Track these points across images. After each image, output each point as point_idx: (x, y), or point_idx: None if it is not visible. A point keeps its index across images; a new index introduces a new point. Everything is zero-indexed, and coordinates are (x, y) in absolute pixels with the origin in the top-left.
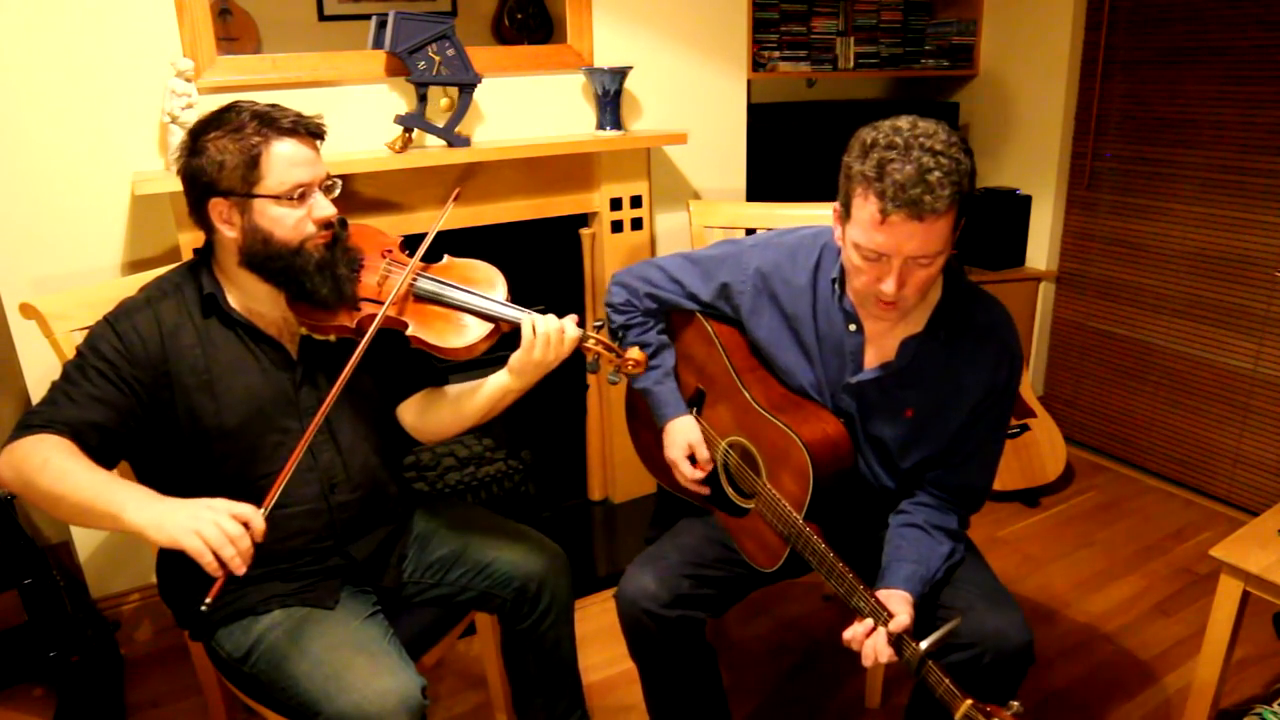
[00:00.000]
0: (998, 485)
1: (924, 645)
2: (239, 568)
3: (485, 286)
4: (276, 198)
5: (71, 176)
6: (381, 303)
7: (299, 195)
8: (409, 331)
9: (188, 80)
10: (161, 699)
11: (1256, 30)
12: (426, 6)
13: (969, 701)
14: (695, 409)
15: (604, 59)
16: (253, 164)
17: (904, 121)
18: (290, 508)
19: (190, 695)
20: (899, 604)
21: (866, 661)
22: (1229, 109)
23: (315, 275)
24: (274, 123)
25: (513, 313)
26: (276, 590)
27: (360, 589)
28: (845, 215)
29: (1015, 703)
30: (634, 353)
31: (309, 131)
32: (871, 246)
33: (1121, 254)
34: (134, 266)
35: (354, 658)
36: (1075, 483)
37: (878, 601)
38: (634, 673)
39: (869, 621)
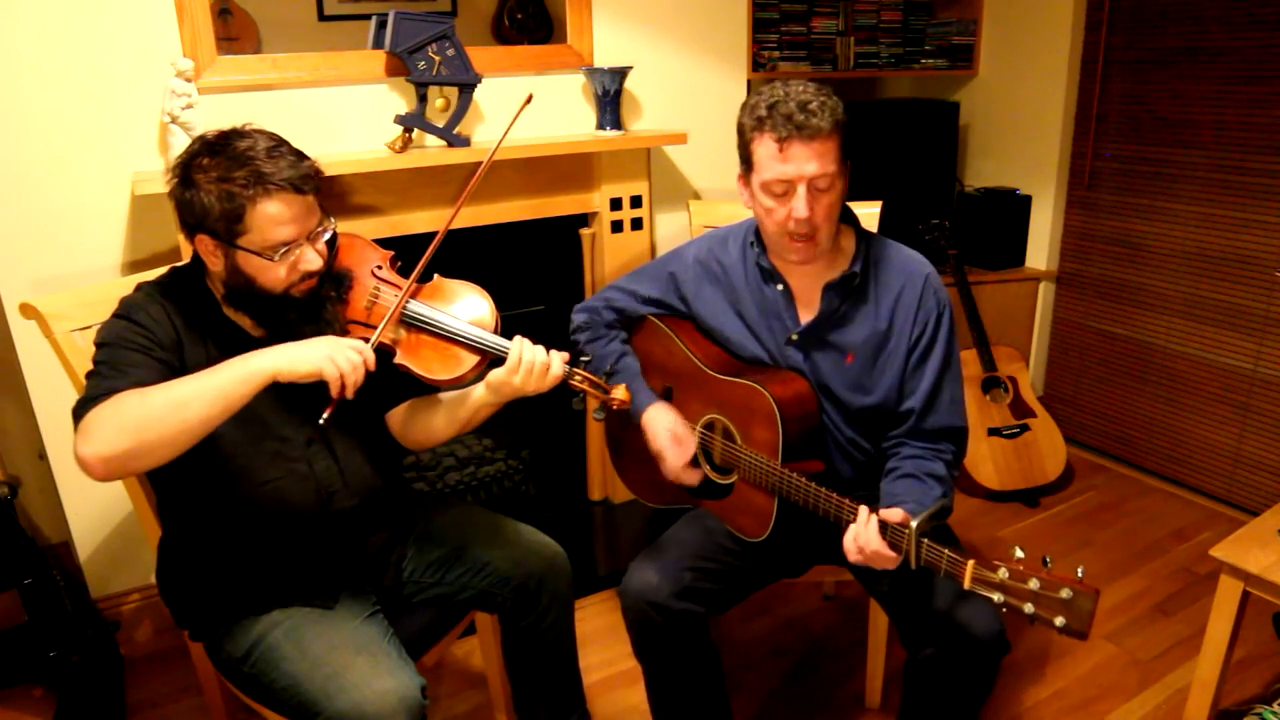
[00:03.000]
0: (998, 485)
1: (914, 523)
2: (352, 392)
3: (476, 313)
4: (258, 253)
5: (72, 176)
6: (368, 325)
7: (283, 253)
8: (396, 359)
9: (188, 80)
10: (161, 699)
11: (1256, 30)
12: (426, 6)
13: (971, 562)
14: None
15: (604, 59)
16: (236, 217)
17: (778, 84)
18: (289, 515)
19: (190, 695)
20: (891, 511)
21: (853, 555)
22: (1229, 109)
23: (297, 324)
24: (264, 178)
25: (502, 344)
26: (276, 590)
27: (360, 589)
28: (748, 169)
29: (1015, 547)
30: (619, 391)
31: (299, 189)
32: (777, 177)
33: (1121, 254)
34: (134, 266)
35: (354, 658)
36: (1075, 483)
37: (869, 511)
38: (634, 673)
39: (861, 519)
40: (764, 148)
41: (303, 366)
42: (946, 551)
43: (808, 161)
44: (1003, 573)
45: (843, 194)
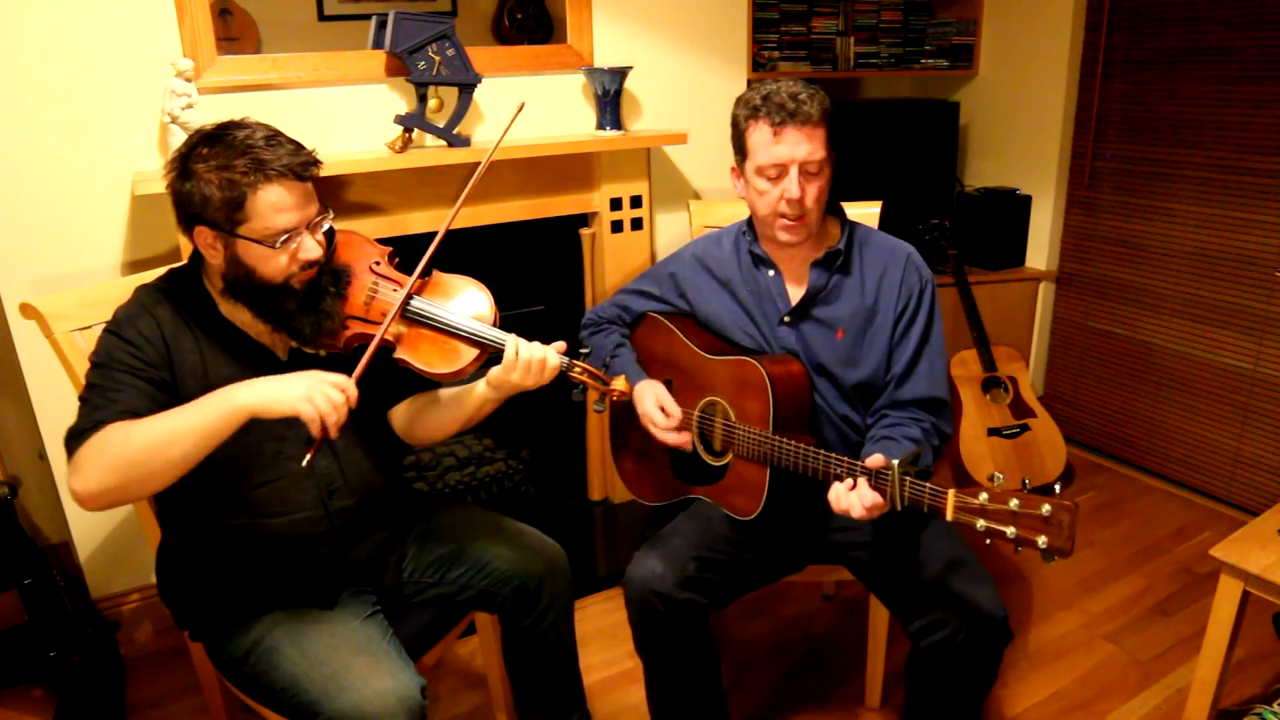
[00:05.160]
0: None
1: (895, 463)
2: (335, 431)
3: (474, 307)
4: (260, 241)
5: (71, 176)
6: (368, 320)
7: (284, 240)
8: (395, 354)
9: (188, 80)
10: (161, 699)
11: (1256, 30)
12: (426, 6)
13: (952, 491)
14: None
15: (604, 59)
16: (237, 205)
17: (768, 80)
18: (289, 515)
19: (190, 695)
20: (871, 459)
21: (855, 512)
22: (1229, 109)
23: (297, 314)
24: (264, 165)
25: (499, 337)
26: (276, 590)
27: (360, 589)
28: (742, 158)
29: (996, 473)
30: (619, 382)
31: (299, 175)
32: (771, 161)
33: (1121, 254)
34: (134, 266)
35: (353, 658)
36: (1075, 483)
37: (851, 461)
38: (634, 673)
39: (849, 479)
40: (759, 134)
41: (279, 406)
42: (928, 485)
43: (799, 145)
44: (983, 497)
45: (829, 183)
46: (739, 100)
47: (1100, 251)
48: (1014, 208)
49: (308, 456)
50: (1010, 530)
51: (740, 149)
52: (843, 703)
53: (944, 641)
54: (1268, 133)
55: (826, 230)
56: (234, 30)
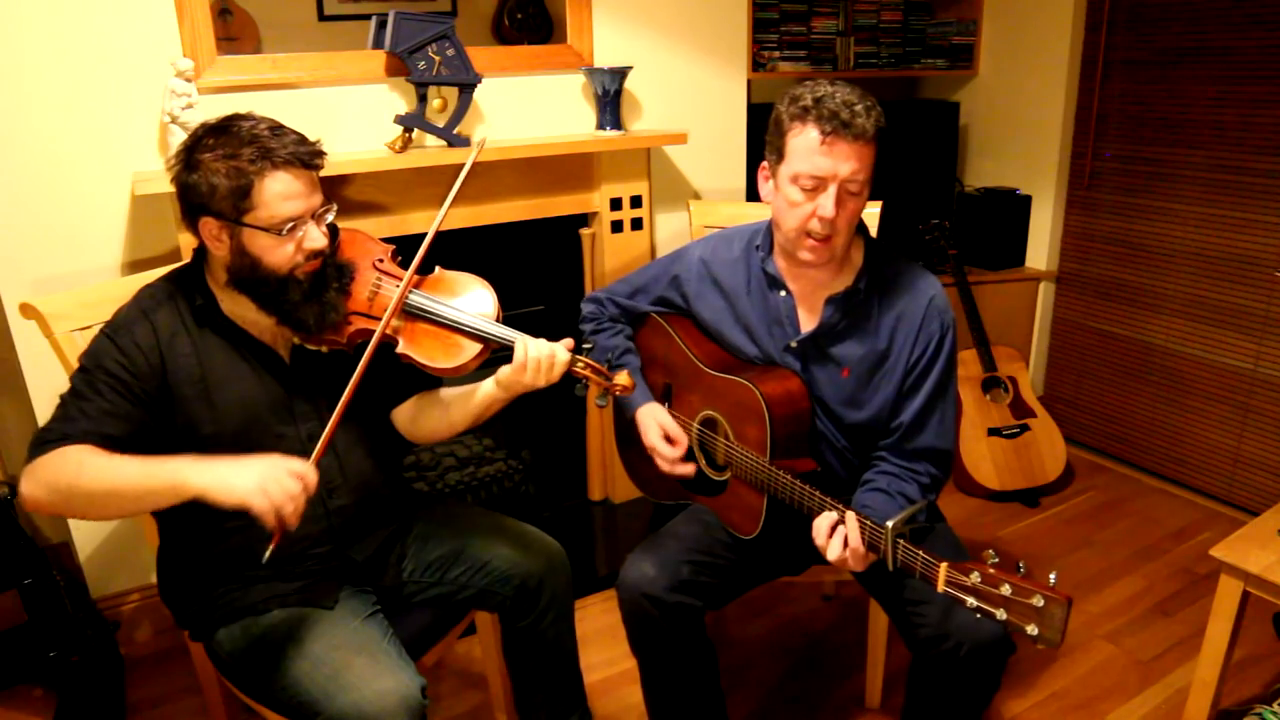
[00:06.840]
0: (998, 485)
1: (890, 524)
2: (294, 523)
3: (477, 303)
4: (266, 229)
5: (71, 176)
6: (371, 316)
7: (289, 229)
8: (398, 349)
9: (188, 80)
10: (161, 699)
11: (1256, 30)
12: (426, 6)
13: (945, 564)
14: (666, 403)
15: (604, 59)
16: (244, 193)
17: (823, 81)
18: None
19: (190, 695)
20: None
21: (833, 553)
22: (1229, 109)
23: (301, 305)
24: (270, 153)
25: (505, 334)
26: (276, 590)
27: (360, 588)
28: (778, 159)
29: (989, 551)
30: (622, 377)
31: (305, 163)
32: (812, 171)
33: (1121, 254)
34: (134, 266)
35: (353, 658)
36: (1075, 483)
37: (845, 507)
38: (634, 673)
39: (833, 517)
40: (803, 139)
41: (229, 495)
42: (921, 553)
43: (846, 160)
44: (975, 576)
45: (864, 203)
46: (786, 96)
47: (1100, 251)
48: (1014, 208)
49: (269, 550)
50: (1000, 613)
51: (777, 150)
52: (843, 703)
53: (947, 654)
54: (1268, 133)
55: (849, 255)
56: (234, 30)
